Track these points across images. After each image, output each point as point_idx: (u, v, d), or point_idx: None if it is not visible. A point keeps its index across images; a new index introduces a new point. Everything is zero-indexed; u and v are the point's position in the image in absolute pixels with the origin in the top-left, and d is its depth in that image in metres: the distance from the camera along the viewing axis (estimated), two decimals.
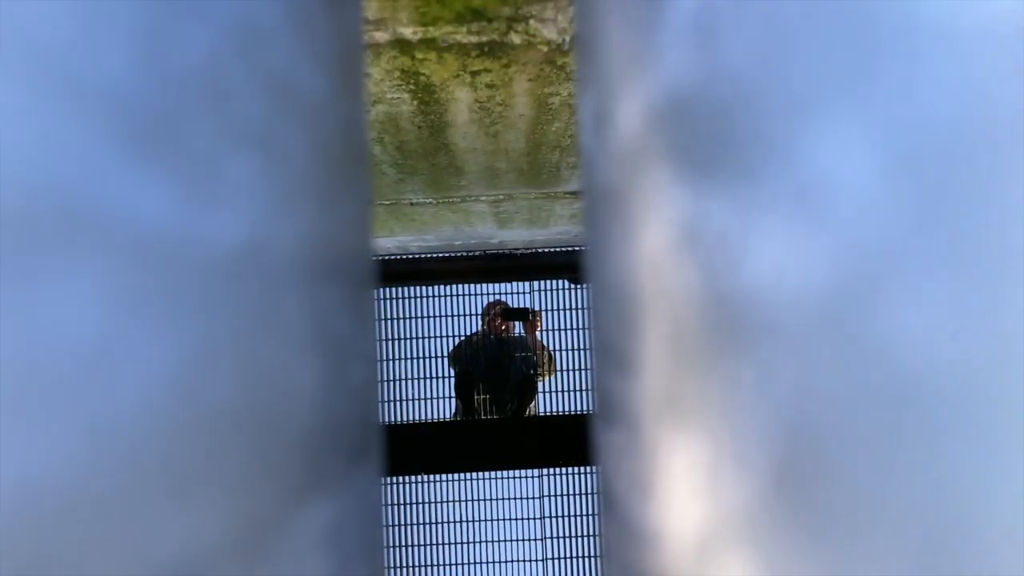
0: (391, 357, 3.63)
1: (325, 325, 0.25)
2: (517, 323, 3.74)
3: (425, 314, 3.68)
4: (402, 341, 3.70)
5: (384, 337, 3.56)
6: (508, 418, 3.36)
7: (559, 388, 3.67)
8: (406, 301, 3.70)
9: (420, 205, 2.17)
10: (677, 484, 0.21)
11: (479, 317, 3.64)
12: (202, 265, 0.19)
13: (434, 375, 3.71)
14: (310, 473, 0.23)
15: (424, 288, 3.66)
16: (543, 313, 3.69)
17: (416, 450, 3.25)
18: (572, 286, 3.65)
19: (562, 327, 3.73)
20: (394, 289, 3.61)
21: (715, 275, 0.19)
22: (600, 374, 0.29)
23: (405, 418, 3.64)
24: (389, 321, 3.64)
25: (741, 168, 0.18)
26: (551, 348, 3.81)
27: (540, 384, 3.79)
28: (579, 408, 3.69)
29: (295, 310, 0.23)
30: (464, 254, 3.19)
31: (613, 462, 0.26)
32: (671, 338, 0.21)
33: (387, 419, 3.55)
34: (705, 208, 0.19)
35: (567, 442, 3.28)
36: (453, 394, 3.56)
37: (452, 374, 3.61)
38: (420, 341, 3.68)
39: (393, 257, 3.23)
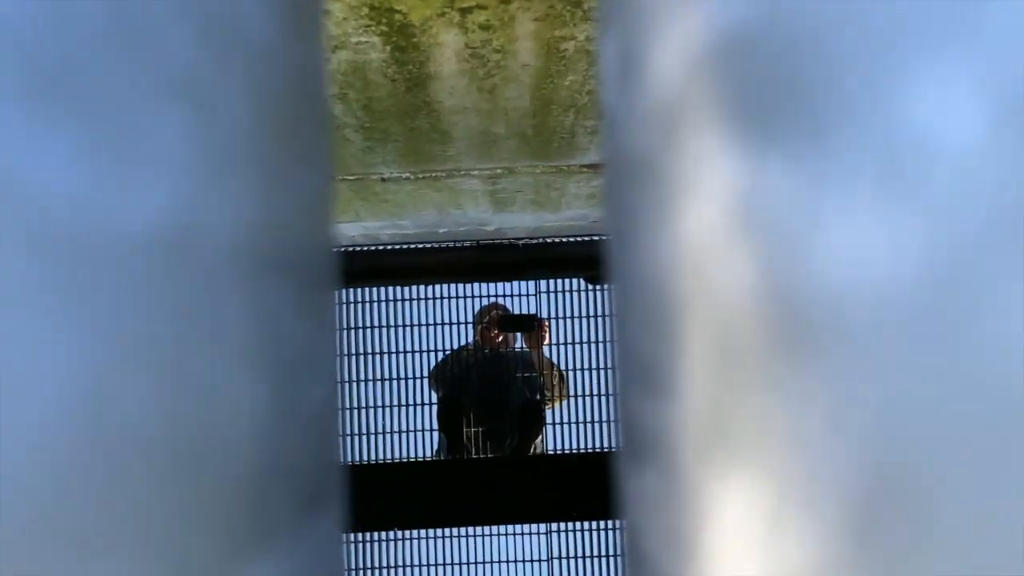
0: (356, 377, 3.66)
1: (273, 333, 0.25)
2: (518, 334, 3.76)
3: (400, 322, 3.71)
4: (370, 357, 3.73)
5: (347, 351, 3.58)
6: (507, 457, 3.38)
7: (573, 418, 3.69)
8: (376, 305, 3.72)
9: (393, 181, 2.18)
10: (726, 539, 0.21)
11: (470, 326, 3.66)
12: (115, 252, 0.19)
13: (411, 401, 3.73)
14: (252, 524, 0.23)
15: (399, 289, 3.68)
16: (552, 322, 3.71)
17: (388, 498, 3.26)
18: (590, 287, 3.67)
19: (576, 340, 3.75)
20: (360, 290, 3.64)
21: (776, 267, 0.19)
22: (627, 398, 0.30)
23: (374, 456, 3.65)
24: (354, 331, 3.67)
25: (811, 129, 0.18)
26: (562, 367, 3.84)
27: (548, 413, 3.81)
28: (598, 444, 3.70)
29: (234, 313, 0.23)
30: (450, 245, 3.22)
31: (644, 512, 0.26)
32: (719, 349, 0.21)
33: (351, 457, 3.57)
34: (764, 181, 0.19)
35: (583, 489, 3.28)
36: (435, 426, 3.59)
37: (434, 399, 3.63)
38: (393, 357, 3.71)
39: (359, 249, 3.25)
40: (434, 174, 2.19)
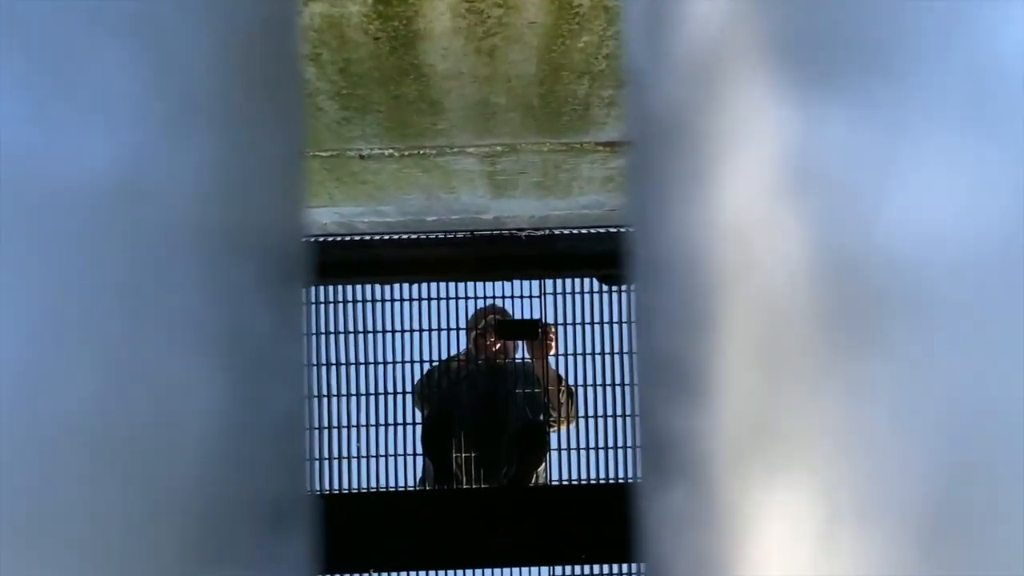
0: (327, 391, 3.67)
1: (231, 322, 0.25)
2: (519, 343, 3.77)
3: (379, 327, 3.71)
4: (343, 368, 3.73)
5: (316, 361, 3.58)
6: (503, 487, 3.38)
7: (582, 443, 3.70)
8: (350, 307, 3.73)
9: (374, 159, 2.19)
10: (769, 562, 0.21)
11: (462, 333, 3.67)
12: (50, 209, 0.19)
13: (390, 420, 3.73)
14: (204, 542, 0.23)
15: (377, 288, 3.69)
16: (559, 329, 3.72)
17: (364, 533, 3.24)
18: (605, 288, 3.67)
19: (588, 350, 3.76)
20: (332, 288, 3.65)
21: (837, 236, 0.18)
22: (651, 407, 0.29)
23: (347, 485, 3.65)
24: (324, 337, 3.68)
25: (879, 69, 0.18)
26: (571, 381, 3.84)
27: (553, 436, 3.81)
28: (612, 474, 3.71)
29: (187, 294, 0.23)
30: (440, 237, 3.22)
31: (670, 537, 0.26)
32: (767, 339, 0.21)
33: (321, 485, 3.57)
34: (823, 133, 0.19)
35: (593, 526, 3.26)
36: (419, 449, 3.59)
37: (419, 419, 3.64)
38: (371, 368, 3.71)
39: (332, 239, 3.26)
40: (422, 151, 2.20)
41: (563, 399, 3.65)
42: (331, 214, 2.75)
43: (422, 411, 3.68)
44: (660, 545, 0.26)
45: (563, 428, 3.71)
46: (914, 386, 0.17)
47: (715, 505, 0.23)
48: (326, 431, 3.66)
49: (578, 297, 3.76)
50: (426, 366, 3.69)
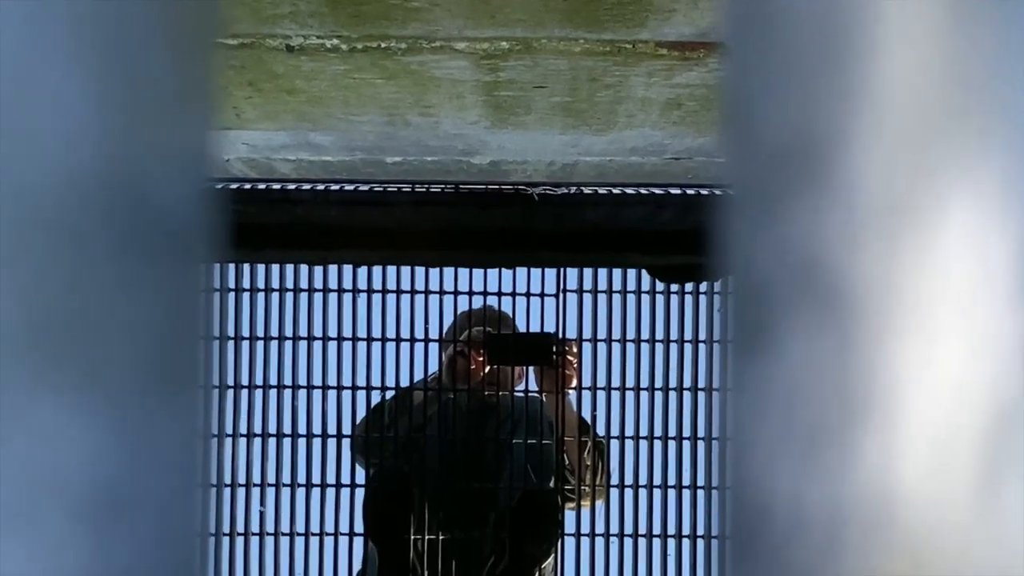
0: (220, 430, 3.66)
1: (79, 320, 0.31)
2: (524, 367, 3.76)
3: (302, 333, 3.70)
4: (247, 395, 3.73)
5: (205, 383, 3.57)
6: None
7: (613, 526, 3.69)
8: (259, 300, 3.73)
9: (309, 53, 2.19)
10: None
11: (432, 349, 3.66)
12: None
13: (316, 479, 3.73)
14: None
15: (305, 270, 3.68)
16: (584, 349, 3.72)
17: None
18: (660, 287, 3.67)
19: (629, 384, 3.75)
20: (235, 269, 3.65)
21: None
22: (751, 468, 0.36)
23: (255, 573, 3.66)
24: (217, 346, 3.67)
25: None
26: (601, 432, 3.83)
27: (570, 515, 3.80)
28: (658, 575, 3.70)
29: (45, 271, 0.29)
30: (407, 190, 3.23)
31: None
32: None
33: (217, 570, 3.58)
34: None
35: None
36: (360, 527, 3.58)
37: (361, 479, 3.63)
38: (286, 397, 3.71)
39: (237, 187, 3.26)
40: (384, 44, 2.20)
41: (588, 459, 3.64)
42: (235, 144, 2.75)
43: (365, 468, 3.67)
44: None
45: (586, 505, 3.70)
46: None
47: None
48: (215, 490, 3.65)
49: (617, 299, 3.77)
50: (375, 397, 3.69)
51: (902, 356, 0.33)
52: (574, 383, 3.66)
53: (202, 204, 0.35)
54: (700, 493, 3.62)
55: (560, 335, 3.72)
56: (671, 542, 3.69)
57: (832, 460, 0.33)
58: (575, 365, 3.64)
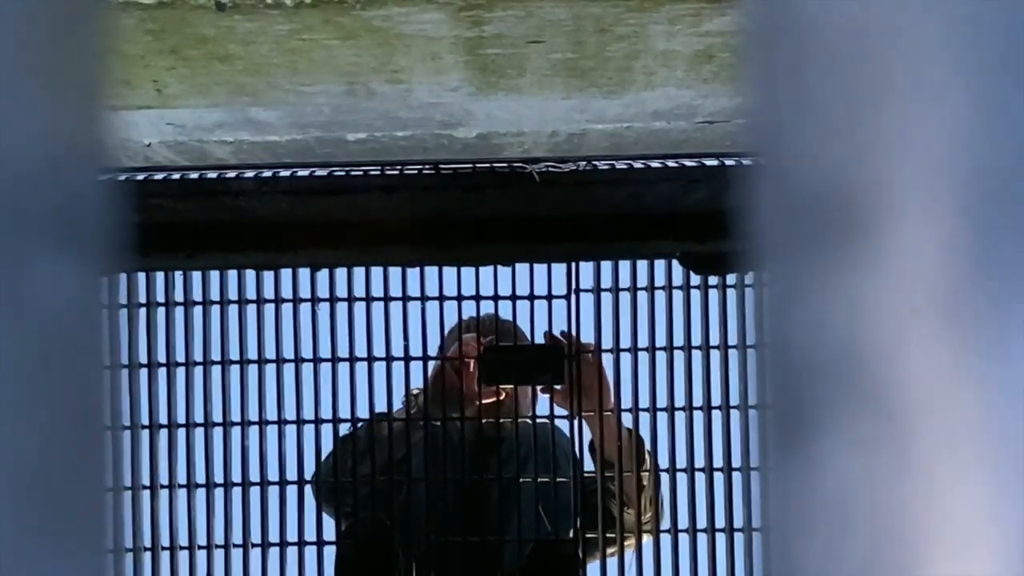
0: (152, 480, 3.68)
1: None
2: (535, 386, 3.77)
3: (249, 355, 3.71)
4: (185, 433, 3.75)
5: (132, 420, 3.59)
6: None
7: None
8: (195, 315, 3.74)
9: (246, 10, 2.18)
10: None
11: (414, 369, 3.66)
12: None
13: (272, 538, 3.75)
14: None
15: (251, 276, 3.69)
16: (602, 359, 3.72)
17: None
18: (695, 281, 3.68)
19: (659, 403, 3.75)
20: (164, 278, 3.66)
21: None
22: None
23: None
24: (147, 372, 3.69)
25: None
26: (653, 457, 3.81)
27: (611, 561, 3.80)
28: None
29: None
30: (376, 173, 3.23)
31: None
32: None
33: None
34: None
35: None
36: None
37: (331, 535, 3.65)
38: (234, 434, 3.72)
39: (164, 178, 3.27)
40: None
41: (646, 480, 3.61)
42: (158, 125, 2.76)
43: (335, 519, 3.69)
44: None
45: (631, 547, 3.69)
46: None
47: None
48: (148, 554, 3.67)
49: (643, 298, 3.78)
50: (341, 430, 3.69)
51: (962, 481, 0.32)
52: (604, 395, 3.65)
53: (94, 202, 0.35)
54: (756, 537, 3.62)
55: (572, 340, 3.72)
56: None
57: None
58: (595, 373, 3.63)
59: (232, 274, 3.72)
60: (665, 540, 3.80)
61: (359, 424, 3.73)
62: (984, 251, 0.34)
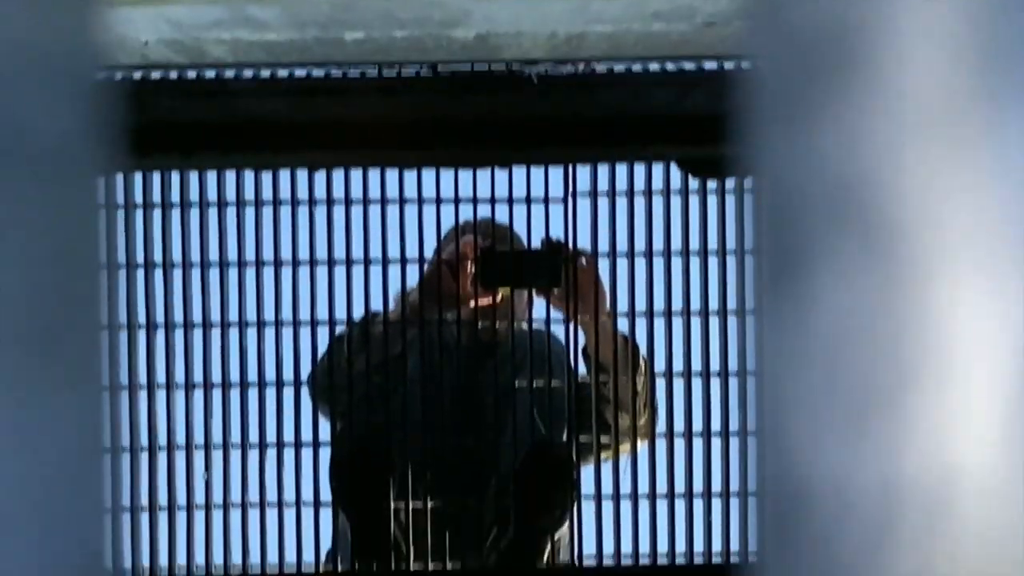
0: (149, 380, 3.69)
1: None
2: (528, 290, 3.77)
3: (248, 257, 3.71)
4: (182, 333, 3.75)
5: (129, 321, 3.60)
6: (488, 569, 3.39)
7: (642, 486, 3.70)
8: (193, 215, 3.73)
9: None
10: None
11: (410, 271, 3.67)
12: None
13: (271, 438, 3.75)
14: None
15: (250, 176, 3.69)
16: (599, 264, 3.72)
17: None
18: (694, 185, 3.67)
19: (657, 308, 3.75)
20: (161, 177, 3.65)
21: None
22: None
23: (198, 561, 3.68)
24: (144, 272, 3.69)
25: None
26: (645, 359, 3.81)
27: (586, 470, 3.82)
28: (708, 547, 3.72)
29: None
30: (373, 76, 3.22)
31: None
32: None
33: (135, 563, 3.61)
34: None
35: None
36: (327, 495, 3.60)
37: (326, 436, 3.65)
38: (233, 335, 3.73)
39: (160, 79, 3.26)
40: None
41: (640, 385, 3.62)
42: (155, 23, 2.74)
43: (330, 420, 3.69)
44: None
45: (625, 451, 3.69)
46: None
47: None
48: (145, 455, 3.68)
49: (640, 202, 3.77)
50: (335, 332, 3.69)
51: (957, 303, 0.33)
52: (599, 299, 3.65)
53: (89, 102, 0.35)
54: (752, 441, 3.62)
55: (568, 245, 3.72)
56: (717, 502, 3.72)
57: (882, 431, 0.33)
58: (590, 276, 3.62)
59: (229, 175, 3.70)
60: (660, 445, 3.80)
61: (353, 324, 3.72)
62: (981, 70, 0.34)
